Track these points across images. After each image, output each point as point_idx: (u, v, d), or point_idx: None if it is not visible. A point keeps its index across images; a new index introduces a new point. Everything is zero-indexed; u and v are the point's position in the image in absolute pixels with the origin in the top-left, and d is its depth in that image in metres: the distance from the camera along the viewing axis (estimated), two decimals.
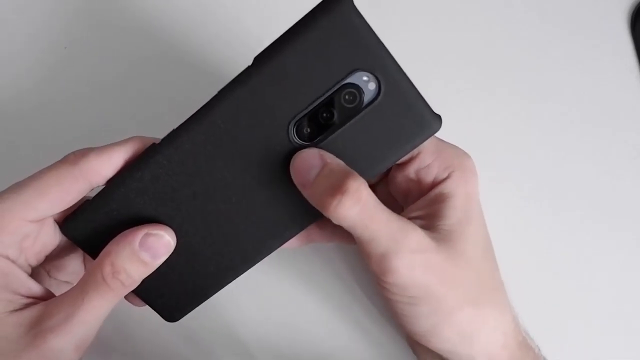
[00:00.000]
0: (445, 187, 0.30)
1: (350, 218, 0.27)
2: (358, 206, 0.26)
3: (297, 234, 0.31)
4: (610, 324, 0.38)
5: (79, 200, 0.29)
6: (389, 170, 0.32)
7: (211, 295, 0.32)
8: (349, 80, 0.27)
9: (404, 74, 0.28)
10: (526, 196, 0.39)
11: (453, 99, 0.39)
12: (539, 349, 0.32)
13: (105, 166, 0.28)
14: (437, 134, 0.29)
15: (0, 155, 0.39)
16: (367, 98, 0.28)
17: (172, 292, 0.32)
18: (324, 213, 0.27)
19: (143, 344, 0.37)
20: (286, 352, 0.37)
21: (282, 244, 0.31)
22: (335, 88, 0.27)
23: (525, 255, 0.38)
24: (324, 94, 0.27)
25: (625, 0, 0.41)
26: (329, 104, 0.28)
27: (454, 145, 0.31)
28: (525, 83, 0.40)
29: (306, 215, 0.30)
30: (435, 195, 0.30)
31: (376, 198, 0.27)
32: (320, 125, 0.28)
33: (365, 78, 0.27)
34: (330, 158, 0.28)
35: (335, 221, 0.27)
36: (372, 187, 0.28)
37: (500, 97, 0.40)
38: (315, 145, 0.28)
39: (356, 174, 0.27)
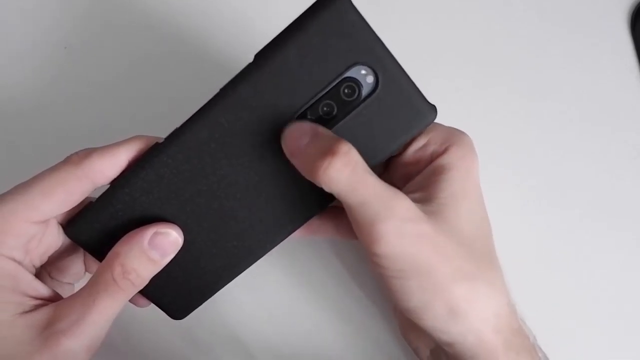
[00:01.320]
0: (443, 160, 0.29)
1: (340, 181, 0.26)
2: (348, 168, 0.26)
3: (299, 227, 0.31)
4: (609, 323, 0.38)
5: (82, 202, 0.29)
6: (388, 161, 0.32)
7: (216, 292, 0.32)
8: (347, 74, 0.28)
9: (400, 66, 0.28)
10: (525, 195, 0.39)
11: (452, 98, 0.39)
12: (535, 338, 0.31)
13: (109, 166, 0.28)
14: None
15: (1, 156, 0.39)
16: (365, 91, 0.28)
17: (177, 290, 0.32)
18: (313, 179, 0.27)
19: (143, 344, 0.37)
20: (286, 352, 0.37)
21: (285, 238, 0.31)
22: (335, 82, 0.28)
23: (523, 254, 0.38)
24: (323, 89, 0.28)
25: (625, 0, 0.41)
26: (328, 98, 0.28)
27: (448, 126, 0.31)
28: (525, 82, 0.40)
29: (308, 208, 0.30)
30: (433, 168, 0.29)
31: (366, 164, 0.27)
32: (320, 119, 0.29)
33: (363, 72, 0.28)
34: (321, 128, 0.28)
35: (325, 187, 0.26)
36: None
37: (499, 96, 0.40)
38: None
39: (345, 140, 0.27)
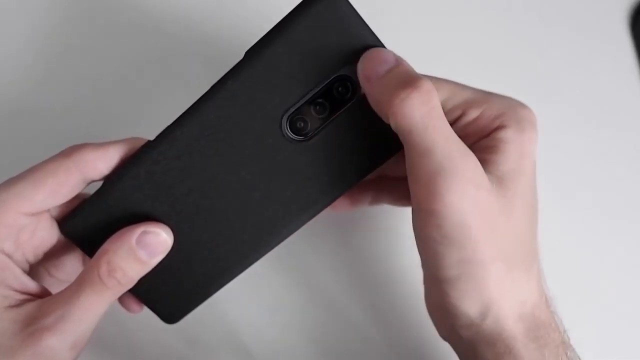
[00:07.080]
0: (499, 134, 0.27)
1: (414, 117, 0.24)
2: (426, 107, 0.24)
3: (296, 230, 0.30)
4: (607, 323, 0.38)
5: (76, 198, 0.29)
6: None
7: (211, 295, 0.32)
8: (341, 72, 0.27)
9: None
10: None
11: None
12: (566, 333, 0.29)
13: (100, 160, 0.28)
14: None
15: (0, 156, 0.39)
16: (360, 90, 0.27)
17: (170, 292, 0.31)
18: (384, 110, 0.25)
19: (142, 344, 0.37)
20: (286, 353, 0.37)
21: (281, 241, 0.30)
22: (328, 80, 0.27)
23: None
24: (316, 86, 0.27)
25: (625, 0, 0.41)
26: (322, 96, 0.28)
27: (506, 96, 0.28)
28: (525, 82, 0.40)
29: (305, 206, 0.29)
30: (487, 142, 0.27)
31: (444, 114, 0.25)
32: (313, 117, 0.28)
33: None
34: (406, 62, 0.26)
35: (395, 119, 0.25)
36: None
37: None
38: (309, 139, 0.28)
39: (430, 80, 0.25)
